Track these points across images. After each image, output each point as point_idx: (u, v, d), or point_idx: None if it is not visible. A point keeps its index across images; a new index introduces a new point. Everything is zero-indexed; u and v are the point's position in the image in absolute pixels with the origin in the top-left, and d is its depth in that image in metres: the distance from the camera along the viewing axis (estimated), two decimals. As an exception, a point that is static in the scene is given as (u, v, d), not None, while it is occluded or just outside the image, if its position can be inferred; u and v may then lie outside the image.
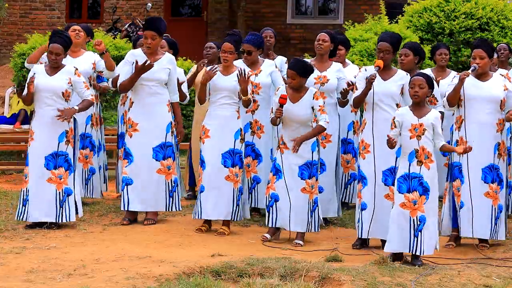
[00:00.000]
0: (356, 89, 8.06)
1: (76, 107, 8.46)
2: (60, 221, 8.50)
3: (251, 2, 19.87)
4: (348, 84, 8.44)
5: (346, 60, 9.68)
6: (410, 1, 13.95)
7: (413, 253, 7.30)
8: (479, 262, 7.41)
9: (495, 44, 11.42)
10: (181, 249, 7.86)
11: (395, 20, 13.41)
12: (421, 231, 7.26)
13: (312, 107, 8.14)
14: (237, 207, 8.53)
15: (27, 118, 13.28)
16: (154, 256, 7.39)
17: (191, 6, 21.18)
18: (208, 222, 8.69)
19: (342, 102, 8.72)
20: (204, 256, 7.43)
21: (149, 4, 19.00)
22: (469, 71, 7.90)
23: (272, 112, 8.20)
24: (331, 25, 18.24)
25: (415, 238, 7.27)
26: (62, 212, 8.48)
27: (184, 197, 9.97)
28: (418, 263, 7.25)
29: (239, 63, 9.00)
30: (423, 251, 7.28)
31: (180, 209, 8.92)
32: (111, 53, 13.04)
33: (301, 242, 8.17)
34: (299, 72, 8.11)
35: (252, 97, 8.64)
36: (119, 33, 17.76)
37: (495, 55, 9.93)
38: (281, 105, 8.07)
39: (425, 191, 7.29)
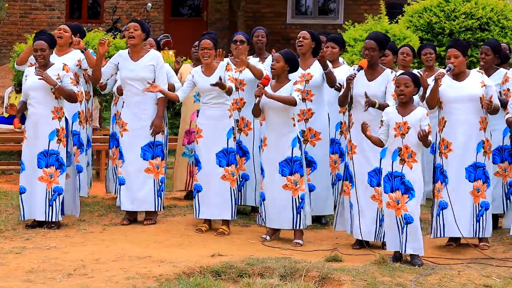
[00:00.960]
0: (344, 88, 8.08)
1: (60, 84, 8.43)
2: (49, 219, 8.48)
3: (251, 2, 19.88)
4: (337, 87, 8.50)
5: (340, 60, 9.59)
6: (410, 1, 13.95)
7: (403, 252, 7.32)
8: (479, 262, 7.41)
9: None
10: (181, 249, 7.86)
11: (395, 20, 13.42)
12: (404, 229, 7.28)
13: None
14: (236, 206, 8.54)
15: (24, 117, 13.21)
16: (154, 256, 7.39)
17: (191, 6, 21.18)
18: (208, 222, 8.69)
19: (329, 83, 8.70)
20: (204, 256, 7.43)
21: (149, 4, 19.00)
22: (444, 71, 7.91)
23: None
24: (331, 25, 18.25)
25: (403, 236, 7.30)
26: (52, 211, 8.48)
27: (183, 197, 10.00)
28: (418, 263, 7.25)
29: (226, 61, 8.97)
30: (406, 249, 7.28)
31: (163, 209, 8.91)
32: (111, 53, 13.05)
33: (300, 242, 8.17)
34: (284, 57, 8.15)
35: (236, 81, 8.73)
36: (119, 33, 17.76)
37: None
38: (263, 86, 8.11)
39: (407, 190, 7.29)
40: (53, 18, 20.18)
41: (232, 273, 6.95)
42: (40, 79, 8.35)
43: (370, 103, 7.66)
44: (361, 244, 8.04)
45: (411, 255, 7.33)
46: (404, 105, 7.38)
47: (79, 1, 20.55)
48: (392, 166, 7.35)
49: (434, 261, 7.41)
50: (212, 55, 8.57)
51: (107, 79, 9.28)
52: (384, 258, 7.23)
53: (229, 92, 8.44)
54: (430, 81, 8.35)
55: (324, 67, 8.56)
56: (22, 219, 8.56)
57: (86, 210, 9.36)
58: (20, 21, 20.25)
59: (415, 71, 8.35)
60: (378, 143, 7.49)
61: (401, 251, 7.33)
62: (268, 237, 8.29)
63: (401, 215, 7.30)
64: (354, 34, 12.37)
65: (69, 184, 8.69)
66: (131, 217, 8.89)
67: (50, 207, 8.47)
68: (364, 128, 7.38)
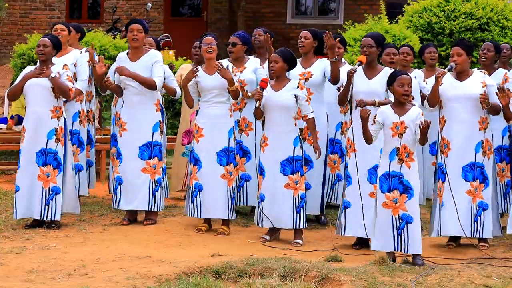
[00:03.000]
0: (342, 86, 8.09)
1: (54, 75, 8.38)
2: (45, 219, 8.46)
3: (251, 2, 19.88)
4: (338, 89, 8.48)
5: (343, 60, 9.62)
6: (410, 1, 13.96)
7: (398, 251, 7.32)
8: (479, 262, 7.41)
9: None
10: (181, 249, 7.86)
11: (395, 20, 13.43)
12: (403, 229, 7.28)
13: (296, 96, 8.14)
14: (232, 206, 8.54)
15: (21, 119, 13.18)
16: (154, 256, 7.39)
17: (191, 6, 21.18)
18: (208, 221, 8.69)
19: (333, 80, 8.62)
20: (204, 256, 7.43)
21: (149, 4, 19.00)
22: (446, 69, 7.92)
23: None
24: (331, 25, 18.24)
25: (399, 237, 7.30)
26: (47, 210, 8.46)
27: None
28: (419, 262, 7.25)
29: (225, 62, 8.98)
30: (407, 249, 7.30)
31: (162, 209, 8.91)
32: (111, 53, 13.06)
33: (300, 242, 8.17)
34: (282, 56, 8.17)
35: (241, 87, 8.70)
36: (119, 33, 17.76)
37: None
38: (262, 89, 8.12)
39: (405, 189, 7.30)
40: (53, 18, 20.16)
41: (232, 273, 6.95)
42: (39, 74, 8.36)
43: (365, 103, 7.56)
44: (362, 243, 8.04)
45: (413, 255, 7.33)
46: (401, 105, 7.39)
47: (79, 1, 20.55)
48: (390, 166, 7.35)
49: (434, 261, 7.41)
50: (216, 51, 8.57)
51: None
52: (384, 258, 7.23)
53: (235, 94, 8.44)
54: (432, 81, 8.38)
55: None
56: (15, 218, 8.54)
57: (86, 210, 9.36)
58: (20, 21, 20.25)
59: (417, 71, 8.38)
60: (369, 138, 7.45)
61: (397, 251, 7.33)
62: (268, 237, 8.29)
63: (398, 215, 7.31)
64: (354, 34, 12.38)
65: (68, 183, 8.69)
66: (131, 217, 8.89)
67: (47, 206, 8.47)
68: (363, 111, 7.31)
